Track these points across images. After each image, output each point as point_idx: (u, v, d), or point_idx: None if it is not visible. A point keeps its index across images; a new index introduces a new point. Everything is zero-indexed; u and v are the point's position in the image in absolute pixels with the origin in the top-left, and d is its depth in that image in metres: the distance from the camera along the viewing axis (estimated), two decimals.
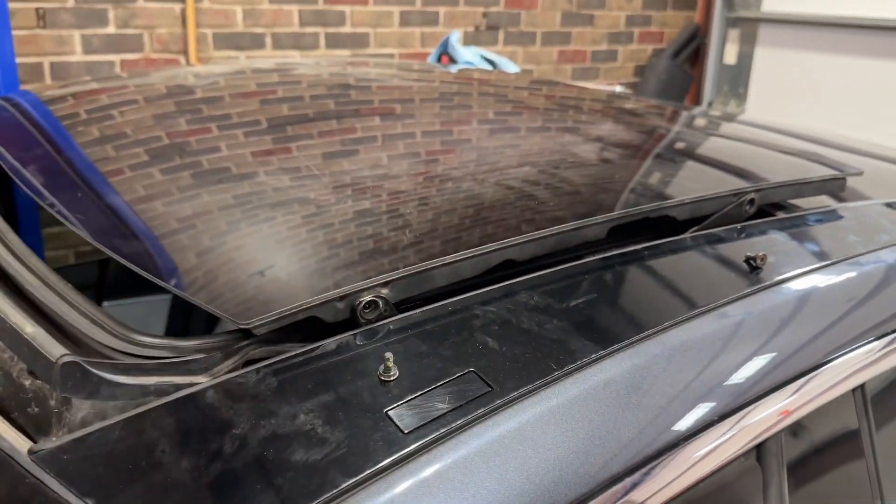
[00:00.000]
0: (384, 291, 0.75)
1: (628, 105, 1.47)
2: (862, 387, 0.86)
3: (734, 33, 4.51)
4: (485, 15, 4.14)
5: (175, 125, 1.09)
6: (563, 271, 0.84)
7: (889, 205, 1.25)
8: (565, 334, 0.74)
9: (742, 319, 0.79)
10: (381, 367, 0.66)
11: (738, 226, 0.99)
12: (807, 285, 0.87)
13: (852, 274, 0.92)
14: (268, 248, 0.80)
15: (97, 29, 3.25)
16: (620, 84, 1.99)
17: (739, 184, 1.04)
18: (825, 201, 1.23)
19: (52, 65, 3.20)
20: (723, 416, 0.72)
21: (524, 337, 0.73)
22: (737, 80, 4.54)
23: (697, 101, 4.80)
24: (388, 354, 0.67)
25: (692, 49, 4.72)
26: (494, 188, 0.95)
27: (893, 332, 0.88)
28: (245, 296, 0.72)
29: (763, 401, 0.74)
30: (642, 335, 0.73)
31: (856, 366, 0.83)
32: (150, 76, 1.50)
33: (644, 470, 0.65)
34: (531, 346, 0.72)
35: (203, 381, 0.67)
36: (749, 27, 4.42)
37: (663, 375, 0.71)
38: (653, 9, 4.70)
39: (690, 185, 1.03)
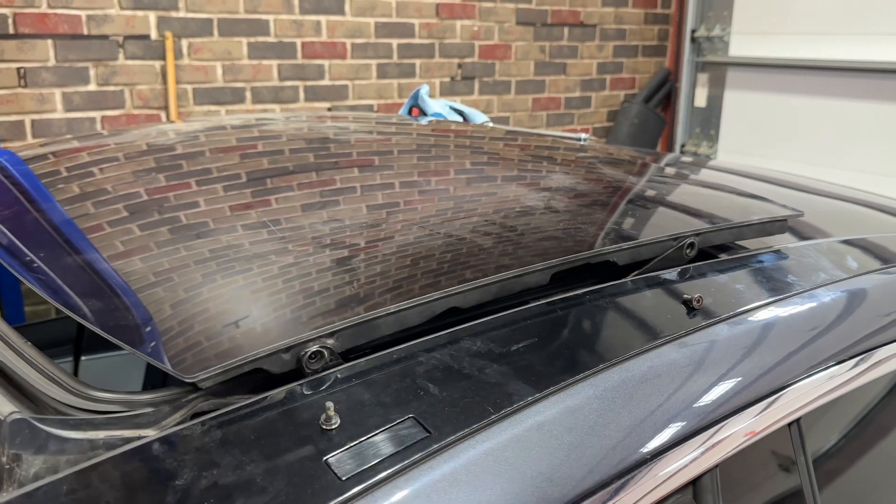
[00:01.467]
0: (330, 342, 0.78)
1: (582, 153, 1.53)
2: (797, 422, 0.89)
3: (703, 77, 4.64)
4: (460, 66, 4.25)
5: (141, 182, 1.13)
6: (506, 317, 0.87)
7: (846, 242, 1.30)
8: (504, 378, 0.77)
9: (676, 359, 0.82)
10: (323, 416, 0.69)
11: (679, 268, 1.03)
12: (742, 324, 0.91)
13: (787, 312, 0.96)
14: (215, 302, 0.83)
15: (78, 87, 3.32)
16: (585, 131, 2.05)
17: (681, 228, 1.08)
18: (781, 240, 1.28)
19: (34, 122, 3.25)
20: (658, 453, 0.75)
21: (464, 382, 0.76)
22: (708, 122, 4.66)
23: (670, 143, 4.91)
24: (329, 404, 0.69)
25: (664, 94, 4.84)
26: (441, 238, 0.99)
27: (826, 367, 0.91)
28: (191, 350, 0.75)
29: (697, 437, 0.77)
30: (577, 377, 0.76)
31: (792, 401, 0.87)
32: (124, 134, 1.55)
33: None
34: (471, 390, 0.75)
35: (151, 434, 0.70)
36: (718, 71, 4.55)
37: (596, 416, 0.74)
38: (624, 56, 4.83)
39: (634, 230, 1.07)
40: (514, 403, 0.73)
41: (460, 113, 2.36)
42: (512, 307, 0.91)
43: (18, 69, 3.16)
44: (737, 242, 1.20)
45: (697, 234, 1.08)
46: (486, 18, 4.27)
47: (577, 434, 0.72)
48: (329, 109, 3.91)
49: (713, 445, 0.79)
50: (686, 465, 0.77)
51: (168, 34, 3.42)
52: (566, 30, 4.57)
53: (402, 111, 2.39)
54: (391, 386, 0.75)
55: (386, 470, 0.64)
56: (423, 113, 2.31)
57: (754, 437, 0.83)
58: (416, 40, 4.07)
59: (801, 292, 1.00)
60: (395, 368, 0.78)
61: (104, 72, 3.35)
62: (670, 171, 1.55)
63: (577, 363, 0.79)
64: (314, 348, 0.76)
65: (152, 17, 3.41)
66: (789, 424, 0.88)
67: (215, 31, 3.56)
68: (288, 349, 0.75)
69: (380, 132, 1.58)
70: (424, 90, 2.35)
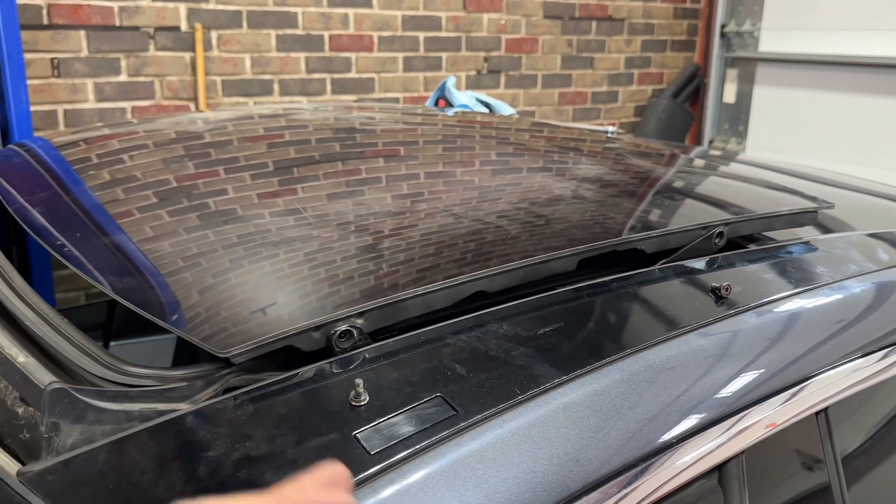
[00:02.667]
0: (359, 321, 0.79)
1: (611, 144, 1.52)
2: (825, 411, 0.89)
3: (732, 73, 4.59)
4: (486, 59, 4.24)
5: (172, 168, 1.15)
6: (533, 302, 0.88)
7: (873, 235, 1.29)
8: (530, 361, 0.77)
9: (703, 346, 0.82)
10: (352, 393, 0.70)
11: (708, 258, 1.03)
12: (769, 314, 0.90)
13: (815, 303, 0.95)
14: (248, 281, 0.84)
15: (110, 77, 3.36)
16: (612, 125, 2.05)
17: (709, 218, 1.08)
18: (810, 233, 1.27)
19: (66, 112, 3.31)
20: (683, 438, 0.75)
21: (491, 364, 0.77)
22: (736, 118, 4.61)
23: (698, 139, 4.87)
24: (359, 381, 0.70)
25: (692, 89, 4.80)
26: (470, 223, 1.00)
27: (853, 359, 0.91)
28: (225, 326, 0.77)
29: (721, 424, 0.77)
30: (603, 361, 0.76)
31: (818, 391, 0.86)
32: (154, 122, 1.57)
33: (603, 489, 0.69)
34: (497, 372, 0.76)
35: (184, 407, 0.71)
36: (747, 67, 4.50)
37: (622, 399, 0.74)
38: (652, 51, 4.80)
39: (663, 219, 1.07)
40: (541, 385, 0.73)
41: (487, 105, 2.36)
42: (539, 293, 0.92)
43: (52, 59, 3.21)
44: (766, 234, 1.19)
45: (727, 224, 1.07)
46: (513, 12, 4.26)
47: (603, 416, 0.73)
48: (356, 102, 3.93)
49: (738, 433, 0.79)
50: (711, 452, 0.77)
51: (198, 26, 3.46)
52: (594, 24, 4.55)
53: (429, 103, 2.40)
54: (419, 366, 0.76)
55: (414, 446, 0.65)
56: (450, 104, 2.32)
57: (780, 426, 0.83)
58: (443, 33, 4.07)
59: (829, 283, 0.99)
60: (422, 349, 0.79)
61: (135, 63, 3.39)
62: (699, 162, 1.54)
63: (604, 348, 0.80)
64: (344, 327, 0.78)
65: (182, 8, 3.44)
66: (816, 414, 0.88)
67: (244, 24, 3.59)
68: (318, 328, 0.76)
69: (408, 122, 1.59)
70: (451, 82, 2.35)
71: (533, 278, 0.92)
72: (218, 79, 3.61)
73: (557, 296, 0.90)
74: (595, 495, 0.68)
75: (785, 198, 1.26)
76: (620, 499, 0.70)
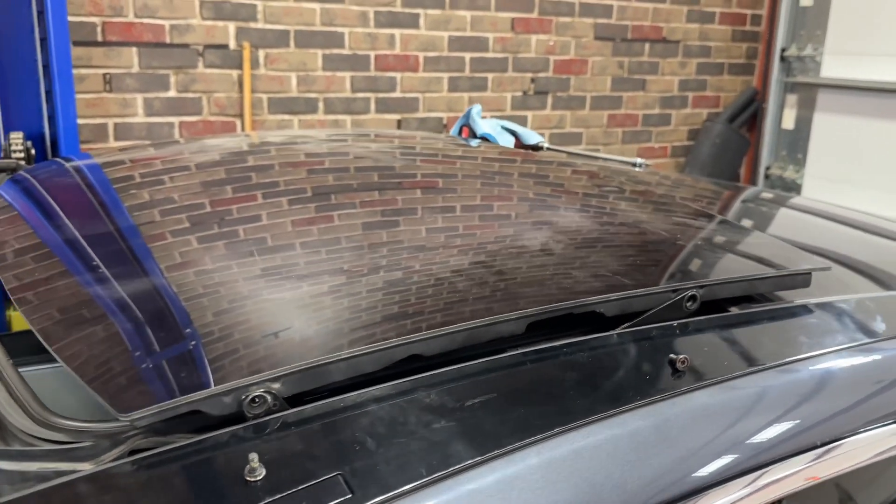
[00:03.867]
0: (274, 386, 0.77)
1: (613, 184, 1.47)
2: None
3: (792, 98, 4.42)
4: (533, 80, 4.20)
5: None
6: (469, 368, 0.84)
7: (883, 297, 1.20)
8: (449, 437, 0.74)
9: (638, 429, 0.77)
10: (247, 468, 0.68)
11: (675, 323, 0.97)
12: (725, 393, 0.84)
13: (780, 381, 0.88)
14: (162, 339, 0.83)
15: (159, 93, 3.47)
16: (641, 158, 1.98)
17: (686, 278, 1.02)
18: (831, 291, 1.19)
19: (116, 125, 3.42)
20: None
21: (406, 439, 0.74)
22: (795, 145, 4.43)
23: (754, 166, 4.70)
24: (253, 455, 0.68)
25: (749, 114, 4.64)
26: (410, 280, 0.96)
27: (814, 448, 0.83)
28: (133, 385, 0.76)
29: None
30: (521, 443, 0.72)
31: (771, 483, 0.79)
32: (169, 147, 1.60)
33: None
34: (410, 448, 0.72)
35: (85, 468, 0.70)
36: (808, 92, 4.32)
37: (532, 489, 0.69)
38: (708, 73, 4.66)
39: (631, 278, 1.02)
40: (450, 467, 0.70)
41: (513, 133, 2.32)
42: (488, 355, 0.88)
43: (104, 75, 3.33)
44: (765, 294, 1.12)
45: (701, 287, 1.01)
46: (562, 33, 4.20)
47: None
48: (398, 122, 3.94)
49: None
50: None
51: (246, 44, 3.54)
52: (647, 45, 4.45)
53: (454, 131, 2.37)
54: (330, 437, 0.74)
55: None
56: (473, 133, 2.28)
57: None
58: (490, 54, 4.05)
59: (802, 359, 0.92)
60: (338, 418, 0.76)
61: (184, 79, 3.49)
62: (704, 209, 1.47)
63: (528, 426, 0.75)
64: (257, 392, 0.76)
65: (231, 27, 3.52)
66: None
67: (291, 43, 3.65)
68: (229, 392, 0.75)
69: (399, 155, 1.57)
70: (476, 110, 2.32)
71: (475, 342, 0.88)
72: (264, 96, 3.68)
73: (498, 361, 0.86)
74: None
75: (780, 255, 1.18)
76: None
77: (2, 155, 2.69)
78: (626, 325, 0.97)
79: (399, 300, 0.92)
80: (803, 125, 4.36)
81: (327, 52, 3.72)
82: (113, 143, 3.46)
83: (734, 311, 1.06)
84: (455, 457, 0.71)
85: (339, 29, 3.72)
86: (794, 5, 4.30)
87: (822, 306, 1.12)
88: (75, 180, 1.33)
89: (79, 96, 3.26)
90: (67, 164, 1.43)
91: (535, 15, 4.11)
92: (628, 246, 1.15)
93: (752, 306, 1.07)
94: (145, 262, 1.00)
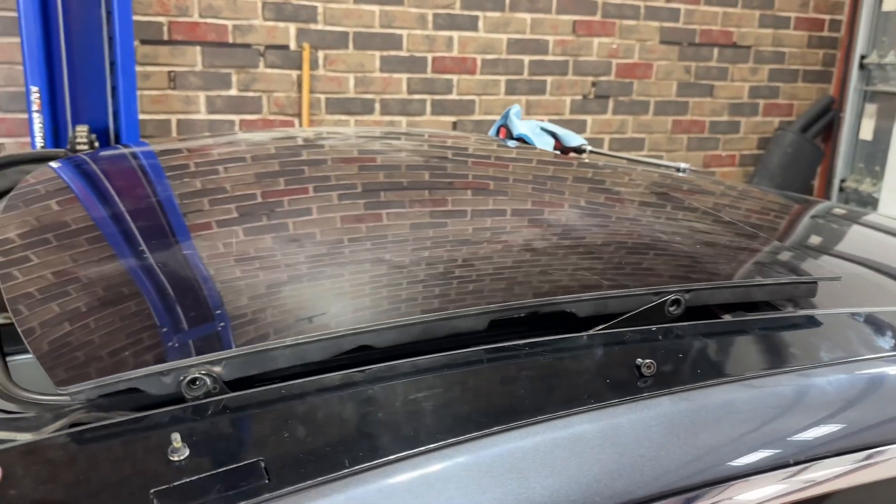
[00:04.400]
0: (215, 369, 0.77)
1: (620, 184, 1.41)
2: None
3: (871, 108, 4.18)
4: (594, 84, 4.12)
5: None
6: (420, 362, 0.82)
7: None
8: (380, 430, 0.72)
9: (583, 432, 0.73)
10: (170, 448, 0.68)
11: (653, 328, 0.92)
12: (686, 402, 0.79)
13: (749, 394, 0.82)
14: (110, 315, 0.84)
15: (221, 91, 3.57)
16: (684, 164, 1.90)
17: (674, 281, 0.97)
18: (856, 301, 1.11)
19: (179, 122, 3.55)
20: None
21: (337, 428, 0.73)
22: (873, 157, 4.19)
23: (828, 177, 4.47)
24: (176, 435, 0.68)
25: (824, 123, 4.42)
26: (372, 269, 0.95)
27: (785, 466, 0.77)
28: (77, 359, 0.77)
29: None
30: (447, 442, 0.69)
31: (723, 501, 0.74)
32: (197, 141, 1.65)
33: None
34: (338, 439, 0.71)
35: (25, 438, 0.72)
36: (889, 102, 4.09)
37: (446, 492, 0.67)
38: (781, 80, 4.47)
39: (612, 280, 0.97)
40: (377, 459, 0.68)
41: (553, 134, 2.28)
42: (444, 350, 0.86)
43: (169, 72, 3.45)
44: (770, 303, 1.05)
45: (687, 291, 0.96)
46: (626, 36, 4.11)
47: None
48: (454, 124, 3.94)
49: None
50: None
51: (306, 45, 3.60)
52: (716, 50, 4.30)
53: (491, 131, 2.35)
54: (262, 424, 0.73)
55: None
56: (510, 134, 2.25)
57: None
58: (549, 57, 4.00)
59: (784, 372, 0.86)
60: (274, 405, 0.75)
61: (245, 78, 3.58)
62: (720, 214, 1.39)
63: (461, 426, 0.72)
64: (195, 374, 0.76)
65: (292, 28, 3.60)
66: None
67: (350, 44, 3.70)
68: (168, 372, 0.75)
69: (418, 152, 1.56)
70: (514, 111, 2.29)
71: (430, 336, 0.86)
72: (322, 96, 3.74)
73: (452, 357, 0.83)
74: None
75: (791, 264, 1.11)
76: None
77: (68, 147, 2.83)
78: (600, 326, 0.93)
79: (356, 292, 0.91)
80: (882, 136, 4.12)
81: (385, 53, 3.76)
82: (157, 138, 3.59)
83: (726, 318, 1.00)
84: (382, 450, 0.69)
85: (398, 31, 3.75)
86: (877, 10, 4.08)
87: (835, 318, 1.05)
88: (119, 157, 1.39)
89: (144, 93, 3.40)
90: (120, 149, 1.49)
91: (597, 17, 4.03)
92: (622, 247, 1.11)
93: (748, 315, 1.01)
94: (128, 240, 1.02)
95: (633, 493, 0.71)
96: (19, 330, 0.84)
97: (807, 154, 4.34)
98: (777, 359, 0.91)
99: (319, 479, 0.66)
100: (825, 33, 4.46)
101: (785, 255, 1.15)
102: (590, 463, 0.72)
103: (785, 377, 0.85)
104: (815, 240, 1.54)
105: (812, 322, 1.02)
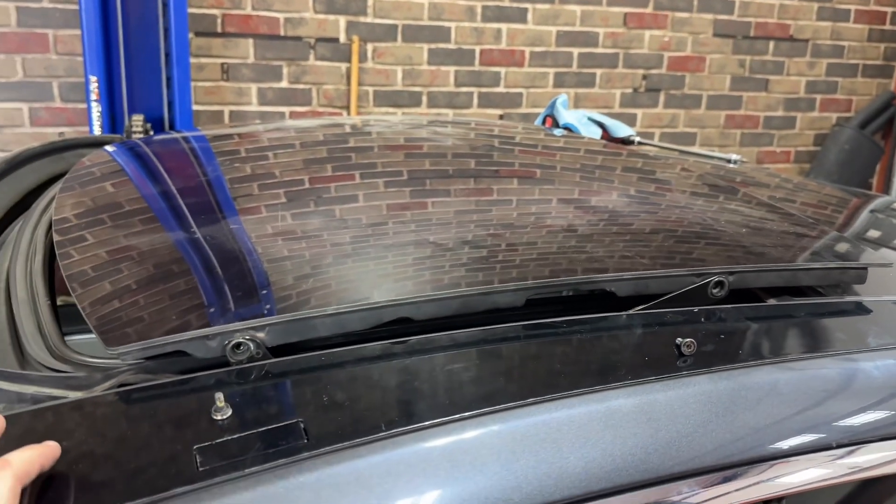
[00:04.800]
0: (259, 335, 0.79)
1: (677, 173, 1.40)
2: (777, 502, 0.75)
3: None
4: (644, 77, 4.07)
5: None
6: (458, 336, 0.82)
7: None
8: (417, 398, 0.73)
9: (616, 408, 0.73)
10: (213, 407, 0.70)
11: (696, 309, 0.91)
12: (724, 383, 0.77)
13: (790, 378, 0.80)
14: (161, 280, 0.87)
15: (272, 83, 3.63)
16: (737, 155, 1.87)
17: (717, 263, 0.95)
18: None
19: (231, 112, 3.62)
20: None
21: (375, 395, 0.74)
22: None
23: (888, 175, 4.33)
24: (219, 394, 0.70)
25: (885, 119, 4.28)
26: (415, 245, 0.96)
27: (828, 449, 0.75)
28: (127, 322, 0.80)
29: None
30: (484, 410, 0.70)
31: (766, 480, 0.73)
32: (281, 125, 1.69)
33: None
34: (376, 405, 0.72)
35: (75, 395, 0.75)
36: None
37: (480, 458, 0.67)
38: (839, 75, 4.35)
39: (660, 262, 0.96)
40: (411, 425, 0.69)
41: (601, 125, 2.26)
42: (488, 324, 0.86)
43: (222, 64, 3.52)
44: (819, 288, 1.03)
45: (731, 273, 0.94)
46: (678, 29, 4.05)
47: (458, 471, 0.67)
48: (500, 117, 3.93)
49: None
50: None
51: (355, 38, 3.64)
52: (771, 44, 4.20)
53: (538, 120, 2.35)
54: (301, 388, 0.75)
55: (243, 468, 0.64)
56: (556, 123, 2.25)
57: None
58: (599, 49, 3.96)
59: (841, 354, 0.83)
60: (315, 371, 0.77)
61: (295, 70, 3.63)
62: (772, 201, 1.36)
63: (496, 396, 0.73)
64: (239, 339, 0.78)
65: (342, 21, 3.64)
66: None
67: (399, 37, 3.73)
68: (213, 336, 0.77)
69: (461, 137, 1.57)
70: (561, 100, 2.28)
71: (470, 310, 0.86)
72: (370, 89, 3.77)
73: (491, 332, 0.84)
74: None
75: (841, 248, 1.08)
76: None
77: (124, 135, 2.92)
78: (641, 307, 0.92)
79: (399, 265, 0.92)
80: None
81: (433, 46, 3.77)
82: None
83: (771, 302, 0.98)
84: (417, 417, 0.70)
85: (446, 23, 3.76)
86: None
87: (886, 305, 1.02)
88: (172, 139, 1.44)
89: (198, 84, 3.48)
90: (171, 134, 1.55)
91: (649, 10, 3.98)
92: (667, 230, 1.10)
93: (795, 299, 0.99)
94: (179, 216, 1.05)
95: (669, 468, 0.71)
96: (74, 297, 0.87)
97: (865, 151, 4.21)
98: (823, 343, 0.89)
99: (357, 440, 0.67)
100: (887, 27, 4.32)
101: (836, 243, 1.12)
102: (625, 436, 0.71)
103: (831, 361, 0.83)
104: (871, 232, 1.50)
105: (861, 308, 1.00)
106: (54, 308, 0.97)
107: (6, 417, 0.70)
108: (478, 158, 1.41)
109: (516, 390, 0.74)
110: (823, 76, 4.33)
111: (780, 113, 4.35)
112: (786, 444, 0.76)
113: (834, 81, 4.36)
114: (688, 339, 0.82)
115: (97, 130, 3.01)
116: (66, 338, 0.94)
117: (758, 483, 0.73)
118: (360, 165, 1.29)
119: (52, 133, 3.34)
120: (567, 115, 2.20)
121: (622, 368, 0.78)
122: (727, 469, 0.72)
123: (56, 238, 0.98)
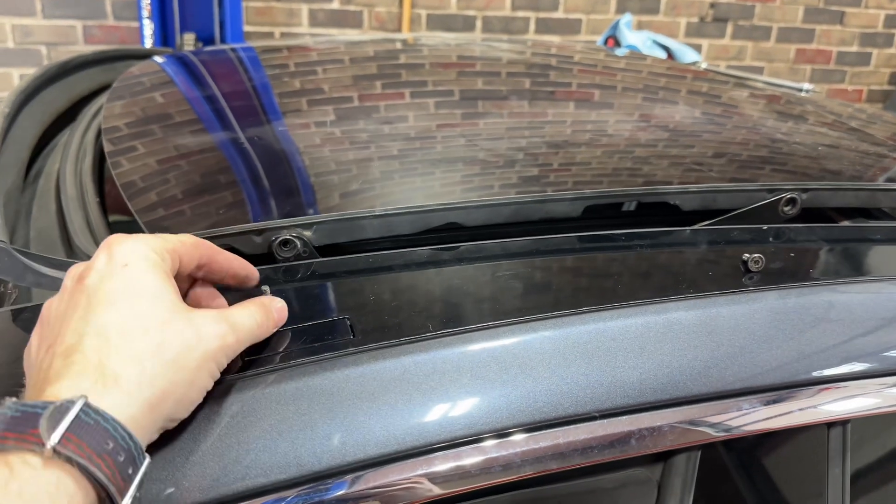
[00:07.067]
0: (306, 233, 0.77)
1: (735, 91, 1.32)
2: (842, 425, 0.71)
3: None
4: (712, 6, 3.87)
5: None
6: (512, 244, 0.79)
7: None
8: (466, 302, 0.70)
9: (679, 318, 0.69)
10: (264, 292, 0.69)
11: (764, 227, 0.86)
12: (793, 300, 0.73)
13: (862, 300, 0.75)
14: (208, 177, 0.85)
15: (323, 4, 3.56)
16: (808, 84, 1.76)
17: (790, 180, 0.89)
18: None
19: (282, 34, 3.57)
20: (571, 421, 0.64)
21: (423, 299, 0.71)
22: None
23: None
24: (265, 288, 0.69)
25: None
26: (468, 152, 0.92)
27: (881, 375, 0.71)
28: (172, 216, 0.79)
29: (660, 412, 0.65)
30: (535, 316, 0.67)
31: (817, 402, 0.69)
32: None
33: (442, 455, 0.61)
34: (423, 307, 0.70)
35: None
36: None
37: (529, 363, 0.64)
38: None
39: (726, 176, 0.91)
40: (452, 328, 0.66)
41: (666, 48, 2.15)
42: (542, 234, 0.83)
43: None
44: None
45: (805, 190, 0.88)
46: None
47: (506, 374, 0.64)
48: None
49: (683, 424, 0.66)
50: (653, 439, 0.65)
51: None
52: None
53: (600, 41, 2.25)
54: (348, 288, 0.73)
55: (287, 360, 0.63)
56: (618, 44, 2.15)
57: (746, 429, 0.68)
58: None
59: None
60: (362, 273, 0.75)
61: None
62: (844, 119, 1.28)
63: (557, 302, 0.70)
64: (286, 236, 0.76)
65: None
66: (829, 427, 0.71)
67: None
68: (260, 232, 0.75)
69: (523, 51, 1.50)
70: (625, 20, 2.18)
71: (523, 218, 0.83)
72: (423, 12, 3.68)
73: (544, 241, 0.80)
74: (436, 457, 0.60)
75: None
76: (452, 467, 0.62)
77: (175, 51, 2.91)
78: (706, 222, 0.87)
79: (450, 170, 0.88)
80: None
81: None
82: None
83: (845, 224, 0.92)
84: (464, 319, 0.68)
85: None
86: None
87: None
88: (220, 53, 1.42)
89: (249, 4, 3.43)
90: (221, 46, 1.52)
91: None
92: (738, 145, 1.03)
93: (870, 222, 0.93)
94: (227, 121, 1.03)
95: (730, 383, 0.67)
96: (124, 195, 0.86)
97: None
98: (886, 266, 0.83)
99: (404, 338, 0.65)
100: None
101: None
102: (683, 349, 0.68)
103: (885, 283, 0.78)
104: None
105: None
106: (102, 205, 0.96)
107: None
108: (536, 75, 1.35)
109: (569, 299, 0.71)
110: None
111: (854, 48, 4.12)
112: (856, 367, 0.71)
113: None
114: (756, 255, 0.77)
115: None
116: None
117: (824, 404, 0.69)
118: (414, 78, 1.25)
119: None
120: (630, 37, 2.10)
121: (684, 282, 0.74)
122: (792, 388, 0.68)
123: (105, 142, 0.97)
